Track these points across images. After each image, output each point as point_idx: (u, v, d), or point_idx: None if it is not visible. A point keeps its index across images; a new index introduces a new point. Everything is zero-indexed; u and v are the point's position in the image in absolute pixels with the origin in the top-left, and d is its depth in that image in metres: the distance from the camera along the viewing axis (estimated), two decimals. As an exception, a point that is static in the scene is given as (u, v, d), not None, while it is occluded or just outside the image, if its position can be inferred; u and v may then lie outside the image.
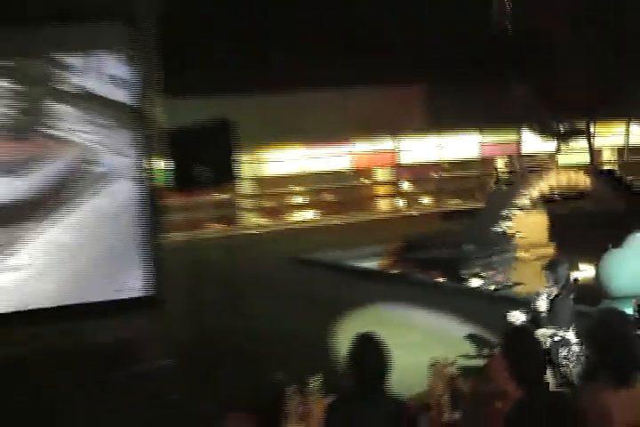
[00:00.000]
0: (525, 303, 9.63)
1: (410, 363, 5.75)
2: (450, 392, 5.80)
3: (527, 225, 17.96)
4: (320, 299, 14.31)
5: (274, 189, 26.63)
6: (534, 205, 18.53)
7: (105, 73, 10.72)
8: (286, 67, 23.28)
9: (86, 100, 10.66)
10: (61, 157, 10.60)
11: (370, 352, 5.34)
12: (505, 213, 18.11)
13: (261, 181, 26.13)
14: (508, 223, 17.88)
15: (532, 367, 4.98)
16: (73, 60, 10.63)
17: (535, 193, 18.68)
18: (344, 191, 27.99)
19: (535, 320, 8.90)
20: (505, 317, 8.97)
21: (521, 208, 18.29)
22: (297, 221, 26.35)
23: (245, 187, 24.88)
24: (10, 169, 10.44)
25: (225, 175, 11.36)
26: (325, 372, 6.15)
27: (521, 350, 5.06)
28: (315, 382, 5.84)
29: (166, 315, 10.87)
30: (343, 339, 11.31)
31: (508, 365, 4.98)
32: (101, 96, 10.72)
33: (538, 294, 9.03)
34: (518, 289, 14.78)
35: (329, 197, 27.82)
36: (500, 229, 17.82)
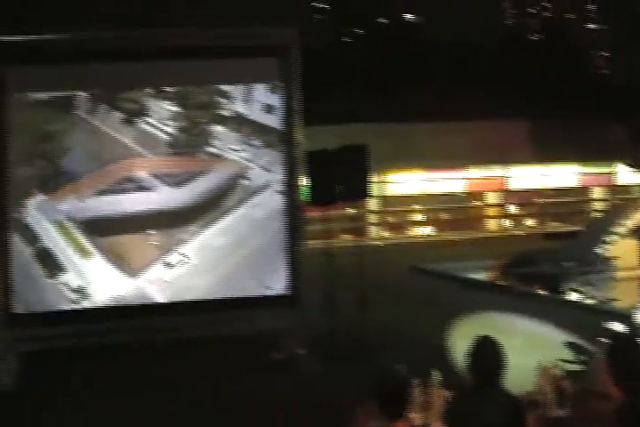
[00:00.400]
0: (623, 316, 9.27)
1: (514, 364, 5.53)
2: (556, 392, 5.59)
3: (623, 249, 17.43)
4: (435, 304, 14.13)
5: (397, 206, 26.65)
6: (630, 232, 17.99)
7: (257, 100, 10.88)
8: (414, 100, 23.32)
9: (241, 124, 10.85)
10: (219, 171, 10.77)
11: (489, 352, 5.30)
12: (604, 237, 17.66)
13: (386, 200, 26.18)
14: (607, 246, 17.42)
15: (634, 372, 4.74)
16: (232, 89, 10.84)
17: (630, 222, 18.19)
18: (457, 211, 27.83)
19: (634, 331, 8.53)
20: (604, 327, 8.62)
21: (618, 234, 17.83)
22: (416, 236, 26.25)
23: (373, 204, 24.98)
24: (176, 181, 10.70)
25: (359, 193, 11.39)
26: (443, 368, 6.00)
27: (623, 356, 4.83)
28: (435, 376, 5.68)
29: (303, 311, 10.84)
30: (456, 339, 11.11)
31: (610, 369, 4.76)
32: (253, 120, 10.88)
33: (636, 308, 8.67)
34: (615, 304, 14.24)
35: (444, 215, 27.66)
36: (598, 251, 17.37)
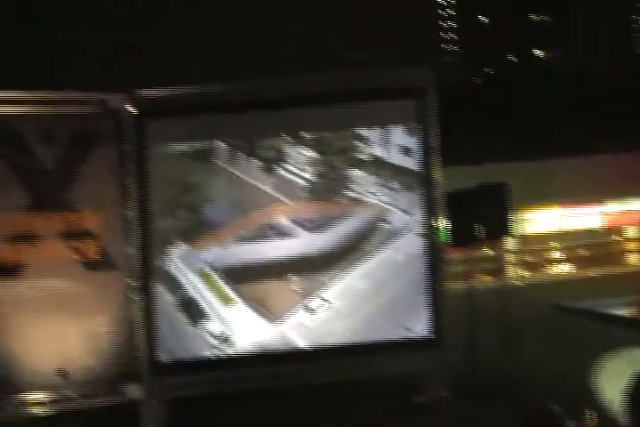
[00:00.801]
0: None
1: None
2: None
3: None
4: (580, 341, 13.72)
5: (535, 245, 26.17)
6: None
7: (394, 143, 10.89)
8: (545, 136, 23.07)
9: (379, 167, 10.86)
10: (358, 215, 10.81)
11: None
12: None
13: (524, 239, 25.75)
14: None
15: None
16: (369, 132, 10.90)
17: None
18: (597, 247, 27.07)
19: None
20: None
21: None
22: (555, 274, 25.68)
23: (510, 243, 24.62)
24: (316, 226, 10.79)
25: (501, 232, 11.30)
26: (591, 407, 5.81)
27: None
28: (590, 417, 5.50)
29: (445, 353, 10.74)
30: (605, 377, 10.75)
31: None
32: (391, 163, 10.88)
33: None
34: None
35: (583, 252, 26.96)
36: None
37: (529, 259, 25.95)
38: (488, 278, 17.97)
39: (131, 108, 10.73)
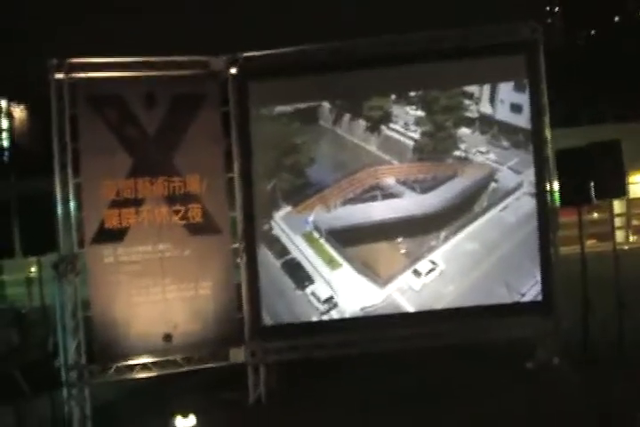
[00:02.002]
0: None
1: None
2: None
3: None
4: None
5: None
6: None
7: (503, 100, 10.75)
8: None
9: (487, 125, 10.75)
10: (467, 175, 10.72)
11: None
12: None
13: (630, 202, 25.23)
14: None
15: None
16: (477, 89, 10.78)
17: None
18: None
19: None
20: None
21: None
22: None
23: (618, 206, 24.14)
24: (423, 186, 10.73)
25: (614, 191, 11.11)
26: None
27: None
28: None
29: (557, 318, 10.64)
30: None
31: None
32: (500, 121, 10.75)
33: None
34: None
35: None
36: None
37: (635, 222, 25.54)
38: (596, 243, 17.78)
39: (233, 71, 10.83)
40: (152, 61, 10.65)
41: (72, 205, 10.26)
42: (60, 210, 10.19)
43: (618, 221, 24.64)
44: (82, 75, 10.37)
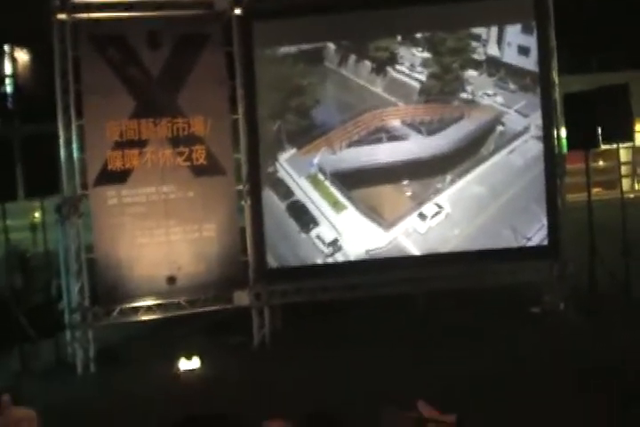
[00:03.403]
0: None
1: None
2: None
3: None
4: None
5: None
6: None
7: (510, 42, 10.67)
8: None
9: (494, 68, 10.67)
10: (473, 117, 10.67)
11: None
12: None
13: (636, 150, 25.09)
14: None
15: None
16: (484, 31, 10.68)
17: None
18: None
19: None
20: None
21: None
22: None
23: (624, 155, 24.05)
24: (429, 129, 10.69)
25: (621, 135, 11.11)
26: None
27: None
28: None
29: (563, 263, 10.70)
30: None
31: None
32: (508, 63, 10.67)
33: None
34: None
35: None
36: None
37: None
38: (604, 191, 17.77)
39: (238, 11, 10.72)
40: (155, 1, 10.52)
41: (75, 146, 10.23)
42: (62, 152, 10.17)
43: (623, 170, 24.56)
44: (84, 15, 10.26)
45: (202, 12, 10.72)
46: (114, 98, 10.41)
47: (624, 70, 22.25)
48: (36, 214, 13.91)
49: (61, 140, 10.21)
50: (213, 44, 10.74)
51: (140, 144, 10.52)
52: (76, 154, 10.28)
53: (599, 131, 10.81)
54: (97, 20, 10.36)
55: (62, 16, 10.16)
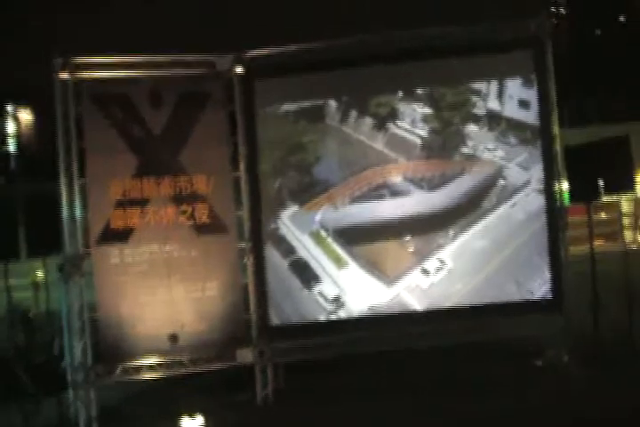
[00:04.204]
0: None
1: None
2: None
3: None
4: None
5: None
6: None
7: (511, 96, 10.74)
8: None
9: (495, 122, 10.73)
10: (474, 172, 10.71)
11: None
12: None
13: (638, 201, 25.14)
14: None
15: None
16: (484, 86, 10.78)
17: None
18: None
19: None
20: None
21: None
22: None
23: (625, 206, 24.06)
24: (431, 184, 10.72)
25: (623, 186, 11.18)
26: None
27: None
28: None
29: (566, 316, 10.63)
30: None
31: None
32: (508, 117, 10.74)
33: None
34: None
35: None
36: None
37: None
38: (604, 242, 17.79)
39: (239, 70, 10.85)
40: (157, 61, 10.68)
41: (77, 205, 10.26)
42: (65, 211, 10.19)
43: (626, 222, 24.57)
44: (86, 74, 10.39)
45: (203, 71, 10.86)
46: (116, 157, 10.49)
47: (624, 122, 22.51)
48: (39, 273, 13.91)
49: (64, 200, 10.21)
50: (215, 102, 10.83)
51: (143, 203, 10.55)
52: (78, 213, 10.26)
53: (601, 183, 10.84)
54: (99, 79, 10.47)
55: (64, 75, 10.26)
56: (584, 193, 11.01)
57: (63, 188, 10.22)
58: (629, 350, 10.71)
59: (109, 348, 10.28)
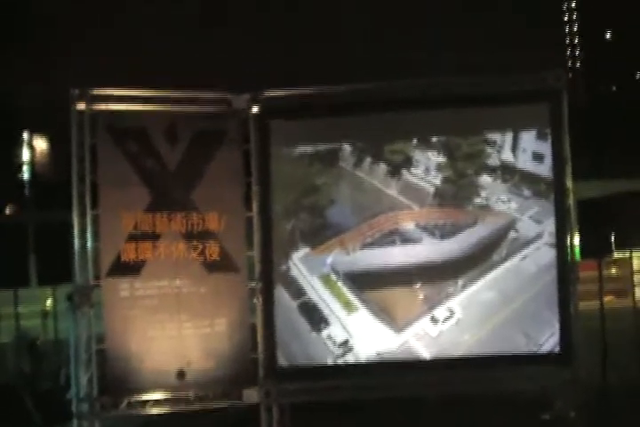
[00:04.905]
0: None
1: None
2: None
3: None
4: None
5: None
6: None
7: (525, 148, 10.80)
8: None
9: (509, 174, 10.78)
10: (486, 223, 10.74)
11: None
12: None
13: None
14: None
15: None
16: (499, 137, 10.84)
17: None
18: None
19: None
20: None
21: None
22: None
23: (636, 263, 23.93)
24: (443, 233, 10.77)
25: (634, 243, 11.21)
26: None
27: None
28: None
29: (575, 370, 10.60)
30: None
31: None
32: (522, 169, 10.78)
33: None
34: None
35: None
36: None
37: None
38: (616, 299, 17.73)
39: (255, 109, 10.97)
40: (175, 96, 10.85)
41: (89, 236, 10.34)
42: (76, 241, 10.27)
43: (636, 278, 24.45)
44: (103, 106, 10.52)
45: (220, 109, 10.98)
46: (130, 189, 10.58)
47: (638, 177, 22.56)
48: (48, 302, 13.97)
49: (75, 229, 10.29)
50: (230, 140, 10.94)
51: (154, 237, 10.61)
52: (89, 244, 10.34)
53: (612, 238, 10.87)
54: (116, 112, 10.59)
55: (81, 106, 10.38)
56: (596, 249, 11.03)
57: (75, 218, 10.31)
58: (638, 404, 10.63)
59: (116, 380, 10.30)
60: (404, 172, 10.91)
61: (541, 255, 10.71)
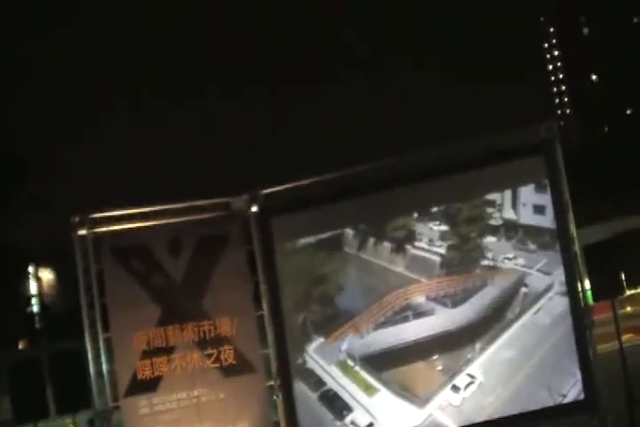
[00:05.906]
0: None
1: None
2: None
3: None
4: None
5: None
6: None
7: (525, 203, 10.78)
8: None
9: (512, 230, 10.74)
10: (496, 283, 10.65)
11: None
12: None
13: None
14: None
15: None
16: (498, 196, 10.81)
17: None
18: None
19: None
20: None
21: None
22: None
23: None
24: (454, 300, 10.69)
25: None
26: None
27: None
28: None
29: (601, 416, 10.31)
30: None
31: None
32: (525, 224, 10.75)
33: None
34: None
35: None
36: None
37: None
38: (635, 336, 17.44)
39: (254, 208, 11.12)
40: (173, 208, 10.95)
41: (103, 359, 10.31)
42: (91, 366, 10.25)
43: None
44: (104, 228, 10.63)
45: (219, 214, 11.11)
46: (139, 308, 10.64)
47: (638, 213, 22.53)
48: (69, 430, 13.80)
49: (89, 355, 10.30)
50: (233, 243, 11.09)
51: (168, 351, 10.64)
52: (105, 367, 10.32)
53: (622, 277, 10.74)
54: (117, 232, 10.70)
55: (83, 231, 10.51)
56: (607, 290, 10.88)
57: (88, 343, 10.34)
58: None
59: None
60: (408, 247, 10.94)
61: (554, 305, 10.59)
